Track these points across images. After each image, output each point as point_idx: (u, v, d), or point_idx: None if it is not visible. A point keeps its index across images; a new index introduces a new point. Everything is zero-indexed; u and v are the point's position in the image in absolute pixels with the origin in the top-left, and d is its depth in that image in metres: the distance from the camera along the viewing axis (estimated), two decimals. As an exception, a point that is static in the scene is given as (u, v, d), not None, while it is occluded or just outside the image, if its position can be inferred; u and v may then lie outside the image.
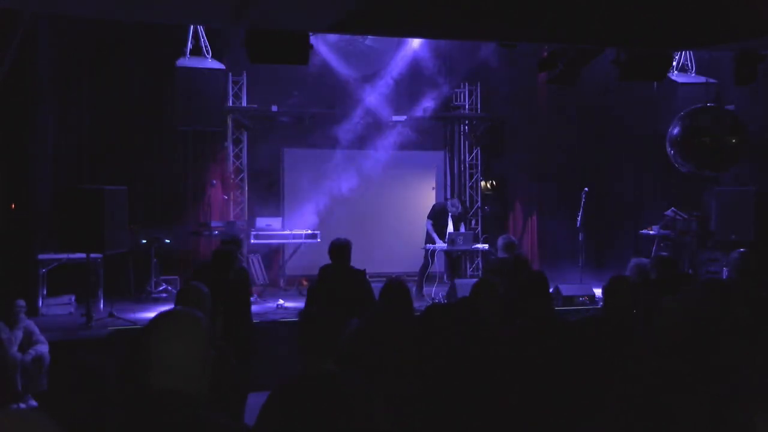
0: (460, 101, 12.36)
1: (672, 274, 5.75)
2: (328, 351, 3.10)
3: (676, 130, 8.76)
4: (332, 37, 10.07)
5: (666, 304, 3.36)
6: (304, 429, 2.89)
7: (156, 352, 2.09)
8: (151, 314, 8.37)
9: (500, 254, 7.37)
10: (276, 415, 2.93)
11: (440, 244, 10.21)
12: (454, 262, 10.70)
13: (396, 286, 4.71)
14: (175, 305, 4.69)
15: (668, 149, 8.89)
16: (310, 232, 10.46)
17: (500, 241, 7.44)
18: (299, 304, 9.05)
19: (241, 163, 11.14)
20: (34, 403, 6.36)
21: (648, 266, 5.97)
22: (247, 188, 11.16)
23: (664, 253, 6.57)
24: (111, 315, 8.19)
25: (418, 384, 3.62)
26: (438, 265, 10.77)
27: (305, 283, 10.34)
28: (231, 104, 10.77)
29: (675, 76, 9.18)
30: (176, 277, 9.77)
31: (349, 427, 2.89)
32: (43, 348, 6.67)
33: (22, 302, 6.77)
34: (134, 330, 7.36)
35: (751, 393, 2.51)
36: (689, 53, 9.80)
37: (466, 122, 12.51)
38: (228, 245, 6.50)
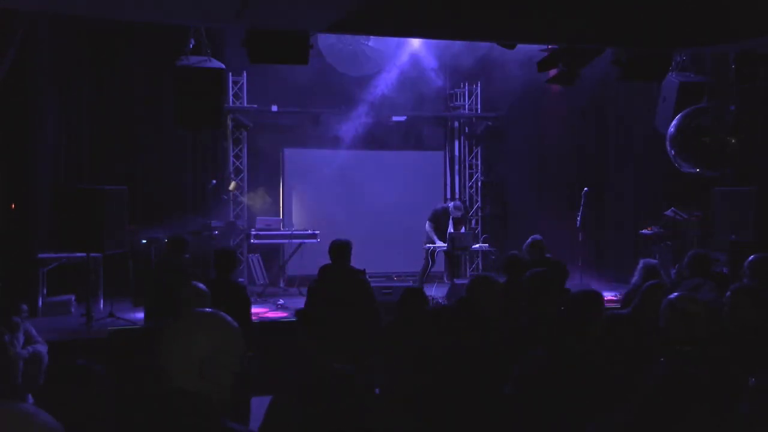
0: (460, 101, 12.36)
1: (707, 271, 5.68)
2: (338, 350, 3.11)
3: (675, 130, 8.75)
4: (332, 37, 10.06)
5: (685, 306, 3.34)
6: (314, 428, 2.89)
7: (176, 353, 2.05)
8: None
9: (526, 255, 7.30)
10: (286, 413, 2.94)
11: (440, 244, 10.22)
12: (454, 262, 10.70)
13: (415, 292, 4.85)
14: (174, 305, 4.69)
15: (668, 149, 8.88)
16: (310, 232, 10.46)
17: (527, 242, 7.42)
18: (299, 304, 9.04)
19: (241, 163, 11.14)
20: (32, 401, 6.37)
21: (658, 267, 5.94)
22: (247, 188, 11.16)
23: (701, 250, 6.45)
24: (111, 315, 8.19)
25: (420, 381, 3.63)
26: (438, 265, 10.77)
27: (305, 283, 10.35)
28: (231, 104, 10.77)
29: (675, 76, 9.17)
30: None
31: (362, 426, 2.89)
32: (42, 348, 6.67)
33: (25, 306, 6.78)
34: (136, 330, 7.36)
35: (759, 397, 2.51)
36: (689, 53, 9.79)
37: (466, 122, 12.51)
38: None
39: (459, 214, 10.56)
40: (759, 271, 5.31)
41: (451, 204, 10.79)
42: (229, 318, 2.13)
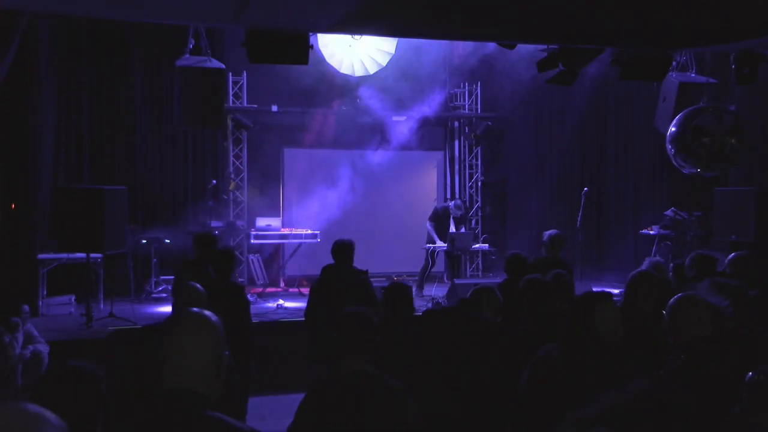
0: (460, 101, 12.36)
1: (711, 272, 5.68)
2: (366, 350, 3.10)
3: (675, 130, 8.75)
4: (333, 37, 10.06)
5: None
6: (342, 429, 2.90)
7: (170, 352, 2.11)
8: (151, 314, 8.40)
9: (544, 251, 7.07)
10: (314, 414, 2.94)
11: (440, 244, 10.22)
12: (454, 262, 10.70)
13: (398, 288, 4.80)
14: (172, 305, 4.70)
15: (668, 149, 8.88)
16: (310, 232, 10.47)
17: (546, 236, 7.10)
18: (299, 304, 9.05)
19: (241, 163, 11.15)
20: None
21: (664, 266, 5.92)
22: (246, 188, 11.16)
23: (704, 251, 6.44)
24: (111, 315, 8.19)
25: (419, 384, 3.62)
26: (438, 265, 10.77)
27: (305, 283, 10.34)
28: (231, 104, 10.77)
29: (675, 76, 9.17)
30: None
31: (385, 427, 2.89)
32: (43, 348, 6.68)
33: (26, 307, 6.79)
34: (136, 330, 7.36)
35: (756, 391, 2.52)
36: (689, 53, 9.81)
37: (466, 122, 12.51)
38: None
39: (459, 213, 10.56)
40: (739, 268, 5.33)
41: (451, 203, 10.78)
42: (213, 316, 2.20)
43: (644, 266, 5.98)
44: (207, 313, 2.21)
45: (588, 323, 3.24)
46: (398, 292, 4.86)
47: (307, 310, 6.10)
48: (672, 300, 3.37)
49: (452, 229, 10.47)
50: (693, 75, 9.21)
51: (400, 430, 2.94)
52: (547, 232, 7.09)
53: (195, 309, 2.27)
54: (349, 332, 3.12)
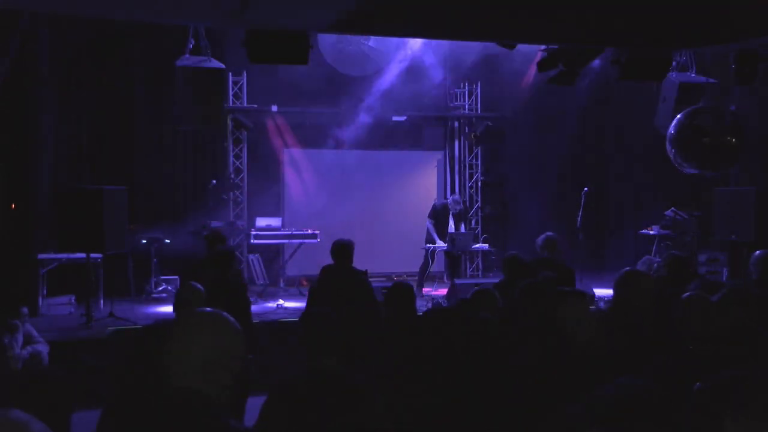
0: (460, 101, 12.35)
1: (685, 273, 5.72)
2: (331, 349, 3.11)
3: (675, 131, 8.75)
4: (333, 37, 10.06)
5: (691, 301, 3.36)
6: (306, 427, 2.89)
7: (176, 351, 2.06)
8: (151, 314, 8.39)
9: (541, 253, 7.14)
10: (278, 413, 2.94)
11: (440, 244, 10.21)
12: (454, 262, 10.70)
13: (401, 288, 4.81)
14: (174, 306, 4.70)
15: (668, 149, 8.88)
16: (310, 232, 10.46)
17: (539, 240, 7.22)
18: (299, 304, 9.05)
19: (241, 163, 11.14)
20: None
21: (652, 262, 5.96)
22: (246, 188, 11.16)
23: (676, 252, 6.50)
24: (111, 315, 8.19)
25: (420, 384, 3.62)
26: (438, 265, 10.77)
27: (305, 283, 10.34)
28: (231, 104, 10.77)
29: (675, 76, 9.17)
30: (176, 277, 9.75)
31: (351, 425, 2.89)
32: (43, 348, 6.68)
33: (25, 309, 6.79)
34: (136, 330, 7.35)
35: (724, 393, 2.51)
36: (689, 53, 9.81)
37: (466, 122, 12.50)
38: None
39: (458, 208, 10.53)
40: (762, 268, 5.34)
41: (450, 199, 10.77)
42: (231, 318, 2.13)
43: (641, 262, 6.03)
44: (222, 314, 2.14)
45: (557, 322, 3.27)
46: (400, 292, 4.86)
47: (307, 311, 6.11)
48: (683, 298, 3.40)
49: (452, 228, 10.46)
50: (693, 75, 9.21)
51: (364, 428, 2.94)
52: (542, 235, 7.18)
53: (208, 309, 2.21)
54: (316, 331, 3.15)
